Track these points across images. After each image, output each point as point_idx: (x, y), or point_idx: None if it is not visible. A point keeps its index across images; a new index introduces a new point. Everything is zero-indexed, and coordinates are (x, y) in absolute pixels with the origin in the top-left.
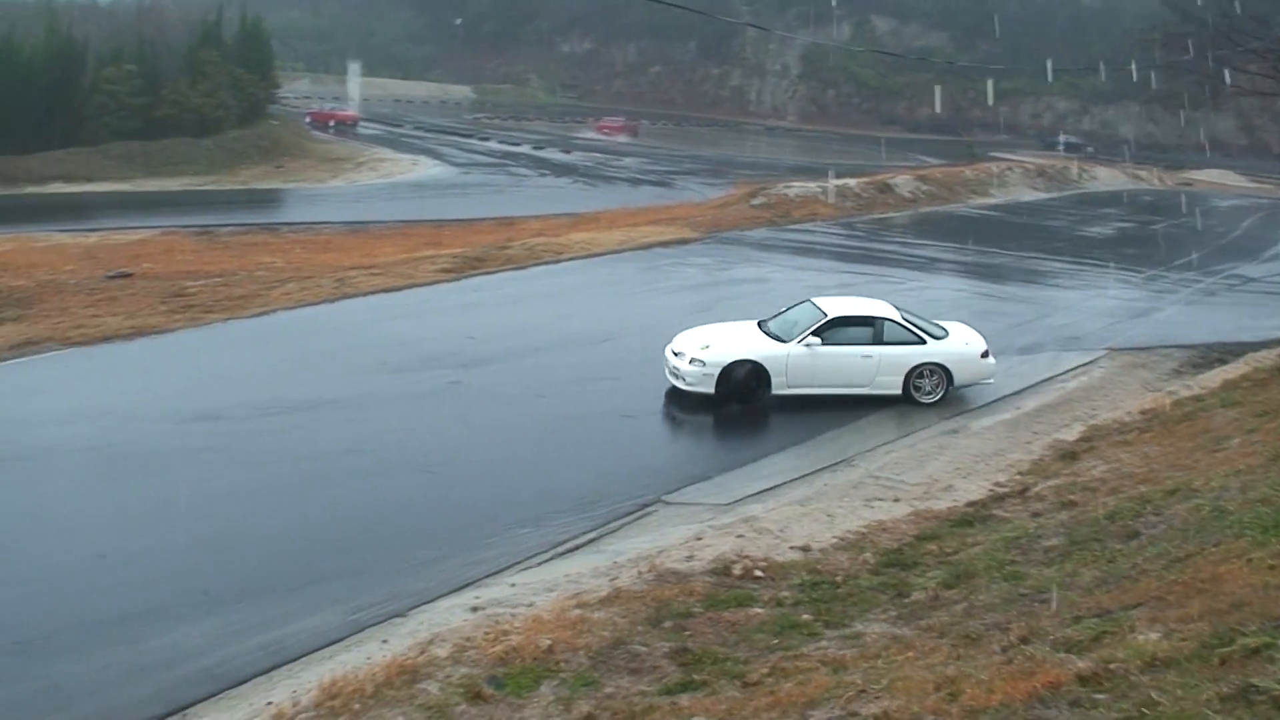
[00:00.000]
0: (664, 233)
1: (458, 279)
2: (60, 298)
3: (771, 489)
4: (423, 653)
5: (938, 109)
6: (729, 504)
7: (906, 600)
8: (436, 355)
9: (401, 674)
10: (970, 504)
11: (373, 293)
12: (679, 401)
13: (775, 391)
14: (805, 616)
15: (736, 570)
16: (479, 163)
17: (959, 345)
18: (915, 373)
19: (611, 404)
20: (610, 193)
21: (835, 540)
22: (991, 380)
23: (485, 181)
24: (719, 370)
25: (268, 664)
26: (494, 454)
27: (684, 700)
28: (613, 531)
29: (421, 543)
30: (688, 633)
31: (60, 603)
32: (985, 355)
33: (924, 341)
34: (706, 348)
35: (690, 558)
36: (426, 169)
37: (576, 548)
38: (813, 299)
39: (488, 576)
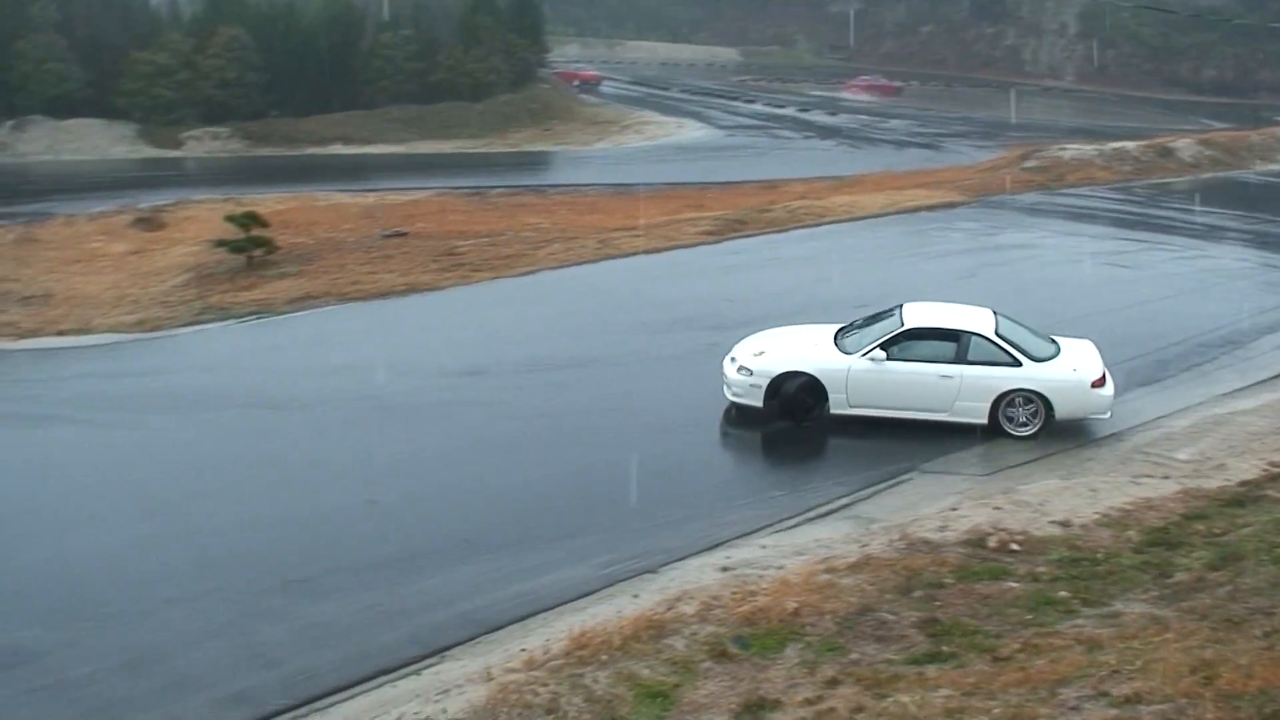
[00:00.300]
0: (929, 196)
1: (718, 241)
2: (339, 255)
3: (1033, 460)
4: (670, 609)
5: (1223, 70)
6: (988, 475)
7: (1169, 581)
8: (694, 317)
9: (649, 628)
10: (1243, 484)
11: (634, 254)
12: None
13: (835, 411)
14: (1062, 593)
15: (992, 542)
16: (743, 125)
17: (1064, 371)
18: (1005, 400)
19: None
20: (876, 155)
21: (1097, 516)
22: (1106, 415)
23: (749, 144)
24: (767, 382)
25: (522, 612)
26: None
27: (930, 671)
28: (866, 498)
29: (674, 501)
30: (938, 603)
31: (330, 545)
32: (1099, 384)
33: (1018, 363)
34: (760, 354)
35: (944, 527)
36: (691, 131)
37: (829, 512)
38: (905, 304)
39: (739, 537)
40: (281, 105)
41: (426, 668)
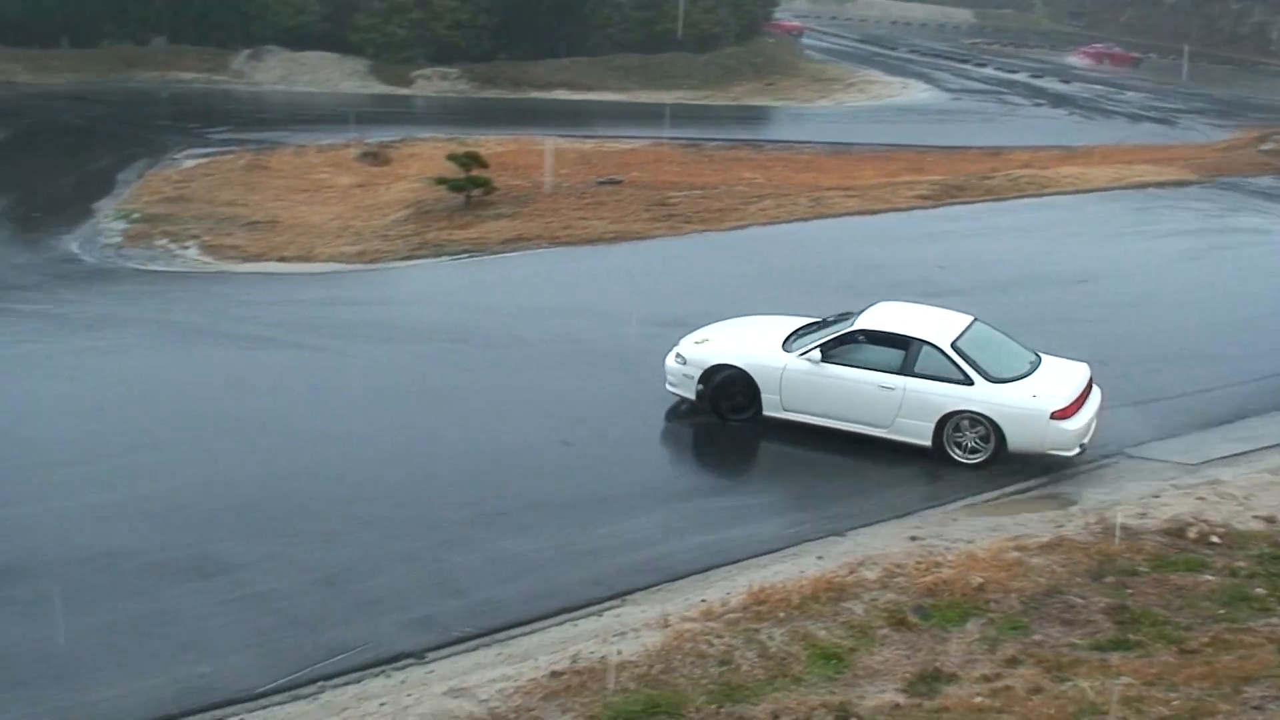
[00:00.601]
0: (1160, 173)
1: (935, 206)
2: (553, 199)
3: (1244, 454)
4: (852, 573)
5: None
6: (1195, 465)
7: None
8: (904, 282)
9: (829, 590)
10: None
11: (847, 215)
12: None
13: (768, 412)
14: (1259, 590)
15: (1191, 533)
16: (971, 89)
17: (1021, 396)
18: (951, 421)
19: (1086, 349)
20: (1107, 128)
21: None
22: (1069, 452)
23: (976, 109)
24: (700, 373)
25: (705, 563)
26: None
27: (1114, 658)
28: (1067, 479)
29: (868, 468)
30: (1129, 590)
31: (527, 482)
32: (1063, 416)
33: (969, 381)
34: (702, 342)
35: (1144, 515)
36: (916, 93)
37: (1027, 490)
38: (877, 304)
39: (931, 509)
40: (509, 49)
41: (607, 609)
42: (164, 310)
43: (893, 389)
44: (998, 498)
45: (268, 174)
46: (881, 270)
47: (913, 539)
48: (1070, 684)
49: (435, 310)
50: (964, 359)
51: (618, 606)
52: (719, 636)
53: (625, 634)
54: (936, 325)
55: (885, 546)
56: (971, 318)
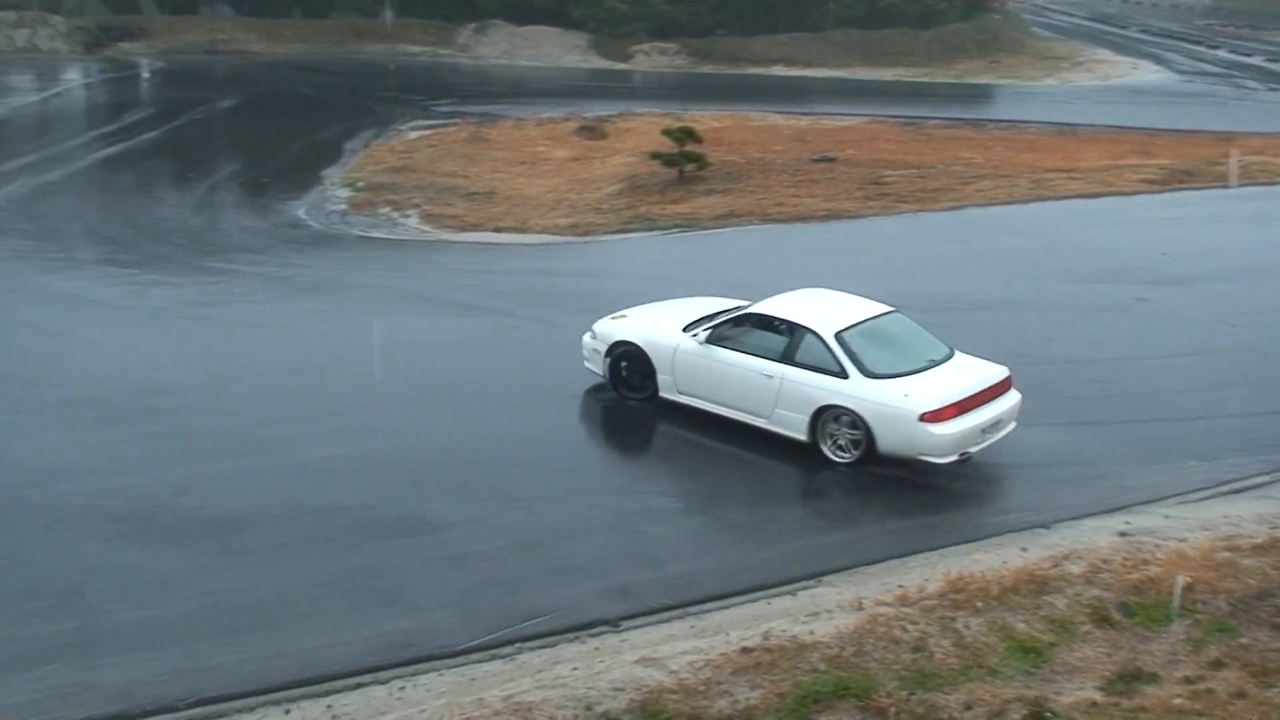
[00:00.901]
0: None
1: (1160, 192)
2: (766, 175)
3: None
4: (1056, 566)
5: None
6: None
7: None
8: (1124, 269)
9: (1030, 583)
10: None
11: (1069, 198)
12: None
13: (663, 394)
14: None
15: None
16: (1204, 71)
17: (892, 394)
18: (825, 415)
19: None
20: None
21: None
22: (940, 460)
23: (1208, 92)
24: (605, 348)
25: (904, 549)
26: (1171, 378)
27: None
28: None
29: (1075, 458)
30: None
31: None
32: (936, 419)
33: (844, 375)
34: (619, 318)
35: None
36: (1146, 74)
37: (1244, 489)
38: (804, 289)
39: (1142, 504)
40: (729, 24)
41: (802, 589)
42: (383, 276)
43: (772, 377)
44: (1212, 495)
45: (488, 146)
46: (1103, 255)
47: (1121, 534)
48: (1276, 690)
49: (643, 283)
50: (844, 350)
51: (813, 587)
52: (914, 623)
53: (819, 614)
54: (830, 314)
55: (1092, 541)
56: (887, 309)
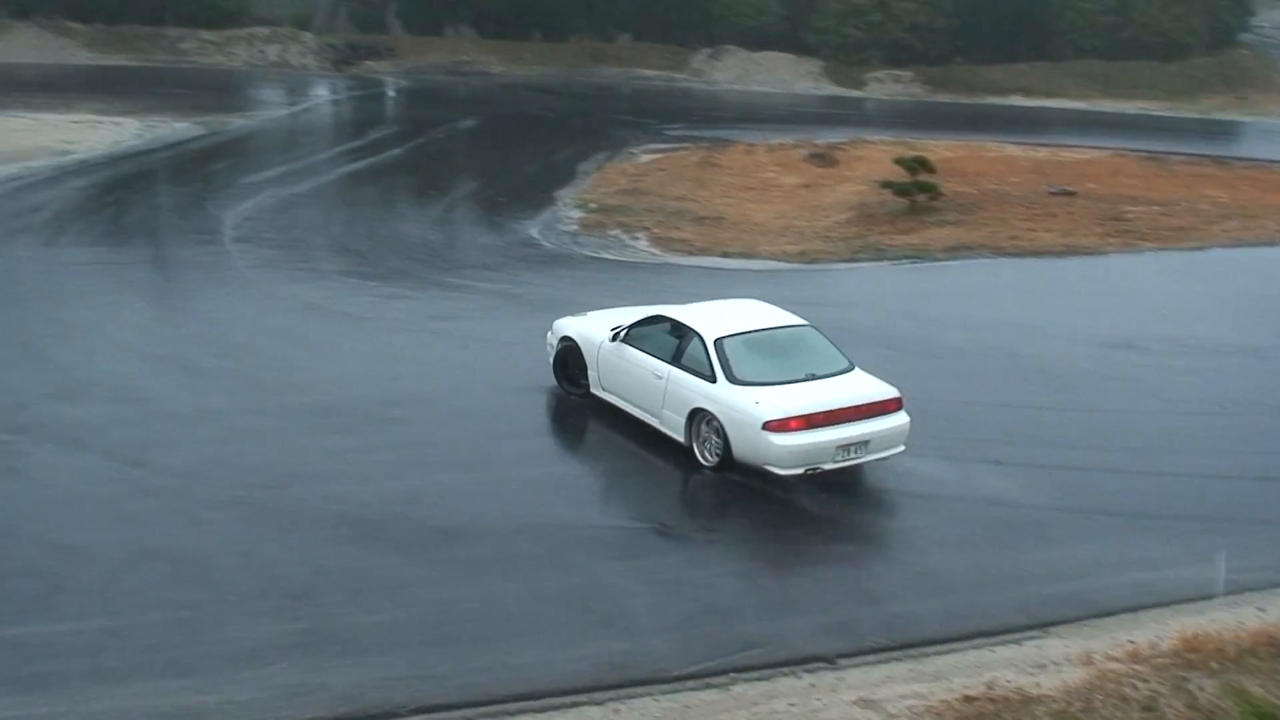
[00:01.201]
0: None
1: None
2: (1001, 207)
3: None
4: None
5: None
6: None
7: None
8: None
9: (1269, 645)
10: None
11: None
12: None
13: (593, 390)
14: None
15: None
16: None
17: (743, 400)
18: (698, 418)
19: None
20: None
21: None
22: (784, 472)
23: None
24: (557, 340)
25: (1136, 602)
26: None
27: None
28: None
29: None
30: None
31: (941, 501)
32: (779, 428)
33: (713, 379)
34: (578, 317)
35: None
36: None
37: None
38: (750, 300)
39: None
40: (966, 52)
41: (1028, 639)
42: (612, 297)
43: (661, 378)
44: None
45: (718, 170)
46: None
47: None
48: None
49: (869, 314)
50: (719, 355)
51: (1040, 638)
52: (1144, 680)
53: (1045, 666)
54: (725, 321)
55: None
56: (797, 323)
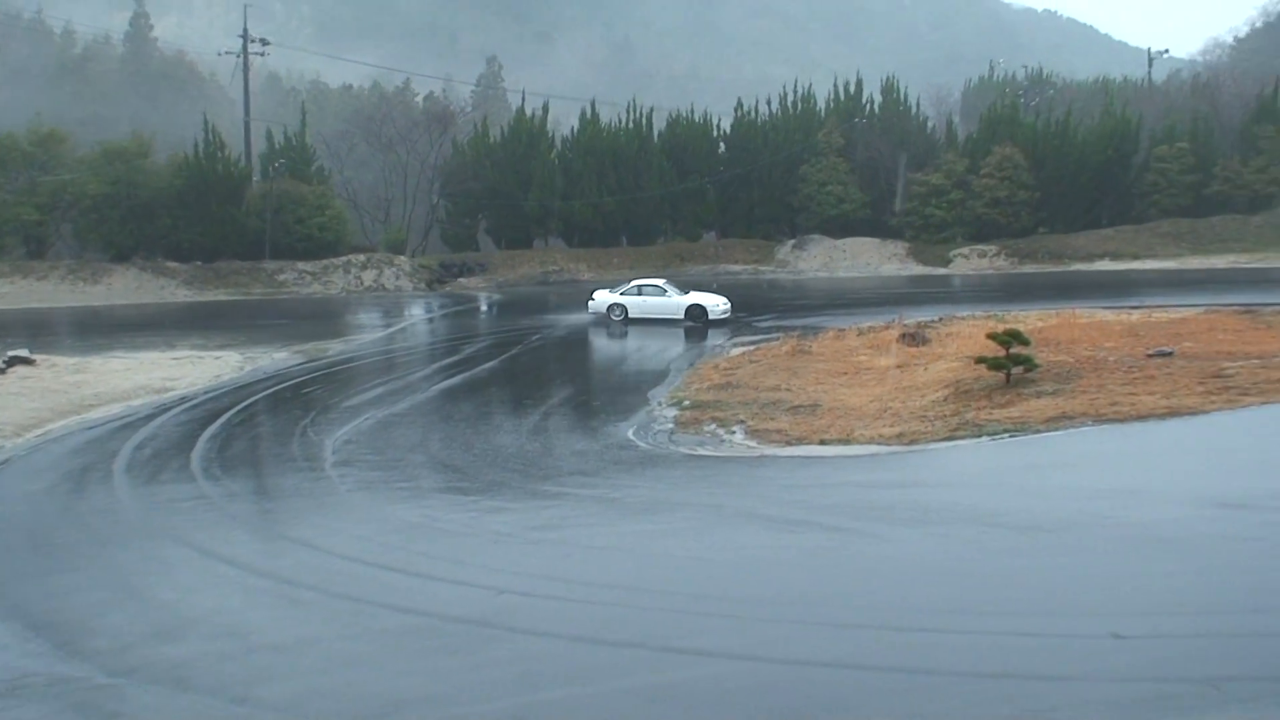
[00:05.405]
0: None
1: None
2: (1099, 374)
3: None
4: None
5: None
6: None
7: None
8: None
9: None
10: None
11: None
12: None
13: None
14: None
15: None
16: None
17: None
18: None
19: None
20: None
21: None
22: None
23: None
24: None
25: None
26: None
27: None
28: None
29: None
30: None
31: (1070, 676)
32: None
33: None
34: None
35: None
36: None
37: None
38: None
39: None
40: (1049, 222)
41: None
42: (711, 494)
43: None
44: None
45: (810, 358)
46: None
47: None
48: None
49: (973, 492)
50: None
51: None
52: None
53: None
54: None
55: None
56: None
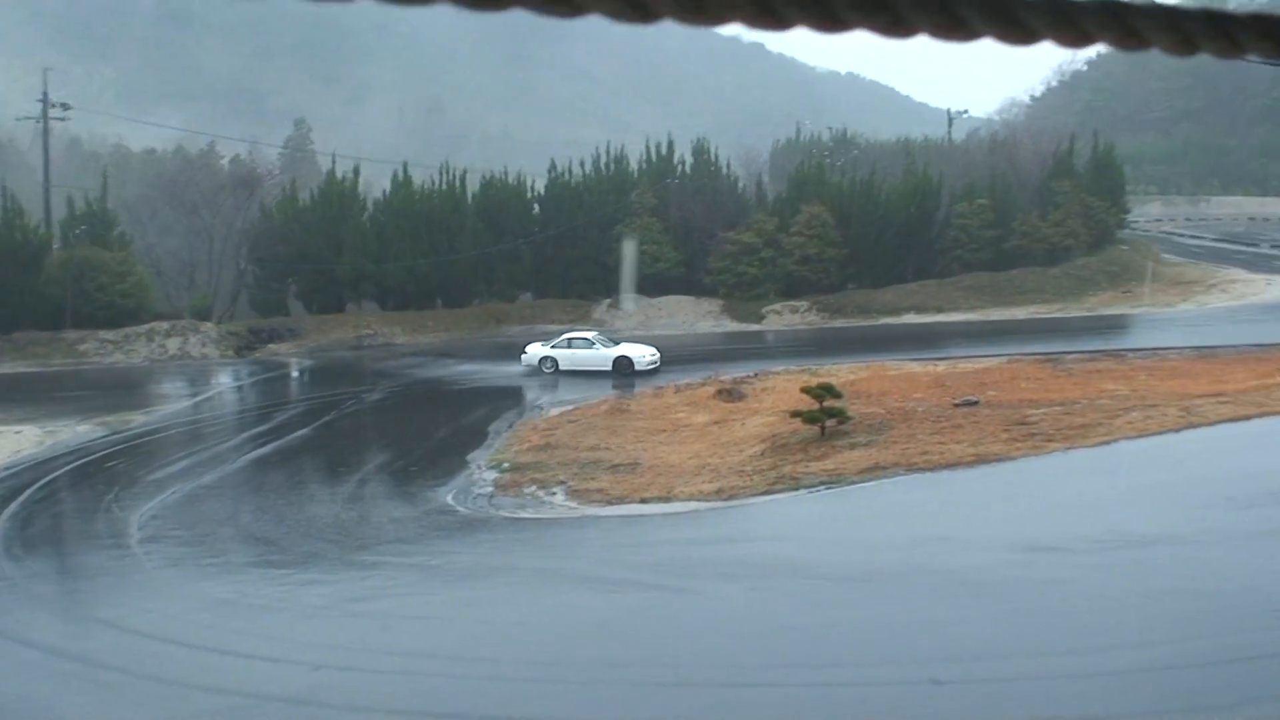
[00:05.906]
0: None
1: None
2: (909, 424)
3: None
4: None
5: None
6: None
7: None
8: None
9: None
10: None
11: (1220, 422)
12: None
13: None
14: None
15: None
16: None
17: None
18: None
19: None
20: None
21: None
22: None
23: None
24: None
25: None
26: None
27: None
28: None
29: None
30: None
31: None
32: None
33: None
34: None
35: None
36: None
37: None
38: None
39: None
40: (858, 278)
41: None
42: (532, 557)
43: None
44: None
45: (628, 416)
46: (1265, 479)
47: None
48: None
49: (792, 545)
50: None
51: None
52: None
53: None
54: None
55: None
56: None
